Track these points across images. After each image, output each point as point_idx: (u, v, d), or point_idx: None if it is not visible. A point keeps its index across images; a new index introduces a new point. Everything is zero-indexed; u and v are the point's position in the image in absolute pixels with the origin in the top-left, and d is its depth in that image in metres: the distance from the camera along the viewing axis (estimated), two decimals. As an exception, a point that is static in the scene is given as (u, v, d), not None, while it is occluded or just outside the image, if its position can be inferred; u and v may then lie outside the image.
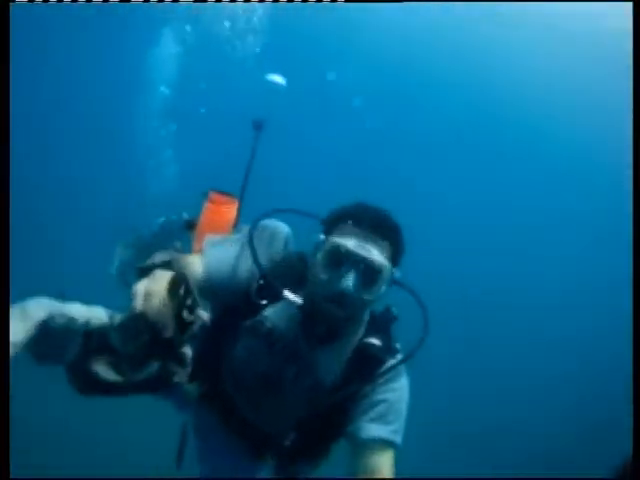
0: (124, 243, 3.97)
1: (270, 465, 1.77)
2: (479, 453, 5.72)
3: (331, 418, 1.62)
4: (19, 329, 1.12)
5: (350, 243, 1.46)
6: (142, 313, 1.21)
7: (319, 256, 1.49)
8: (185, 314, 1.25)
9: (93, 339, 1.23)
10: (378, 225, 1.51)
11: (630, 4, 2.45)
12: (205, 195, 2.01)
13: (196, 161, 6.78)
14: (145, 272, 1.36)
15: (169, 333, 1.23)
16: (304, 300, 1.51)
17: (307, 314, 1.52)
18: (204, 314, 1.35)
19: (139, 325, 1.21)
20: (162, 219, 3.82)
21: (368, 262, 1.46)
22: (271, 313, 1.58)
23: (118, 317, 1.25)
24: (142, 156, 7.14)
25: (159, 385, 1.27)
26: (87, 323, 1.22)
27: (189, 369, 1.30)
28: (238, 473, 1.94)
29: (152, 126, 7.25)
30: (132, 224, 4.23)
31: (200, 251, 1.65)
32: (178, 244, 2.02)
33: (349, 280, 1.44)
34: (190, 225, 2.10)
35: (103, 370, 1.22)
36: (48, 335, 1.18)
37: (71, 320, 1.20)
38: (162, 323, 1.22)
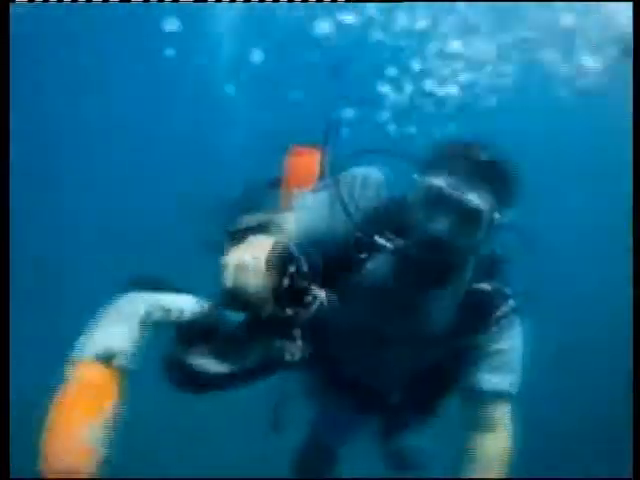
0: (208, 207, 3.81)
1: (378, 422, 1.74)
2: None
3: (442, 371, 1.57)
4: (124, 335, 1.03)
5: (444, 184, 1.36)
6: (234, 289, 1.10)
7: (413, 198, 1.41)
8: (288, 287, 1.12)
9: (186, 329, 1.14)
10: (478, 164, 1.39)
11: (630, 4, 2.45)
12: (285, 150, 1.92)
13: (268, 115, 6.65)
14: (236, 236, 1.27)
15: (267, 311, 1.13)
16: (403, 247, 1.41)
17: (407, 262, 1.42)
18: (320, 292, 1.23)
19: (233, 304, 1.12)
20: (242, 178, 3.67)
21: (463, 205, 1.35)
22: (372, 265, 1.49)
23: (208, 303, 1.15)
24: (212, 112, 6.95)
25: (269, 369, 1.17)
26: (181, 313, 1.14)
27: (300, 343, 1.19)
28: (346, 430, 1.95)
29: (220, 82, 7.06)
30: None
31: (289, 209, 1.55)
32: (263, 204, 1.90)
33: (442, 224, 1.35)
34: (274, 182, 2.00)
35: (202, 361, 1.12)
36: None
37: (167, 312, 1.13)
38: (259, 300, 1.11)
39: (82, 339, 1.03)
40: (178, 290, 1.19)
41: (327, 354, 1.56)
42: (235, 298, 1.11)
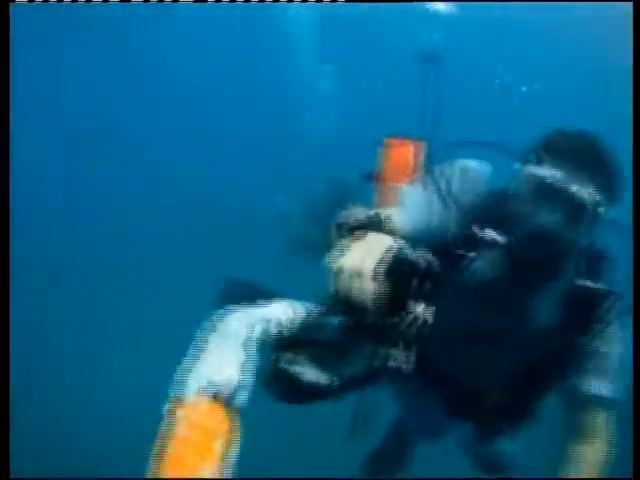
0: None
1: (469, 426, 1.66)
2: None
3: (541, 372, 1.49)
4: (229, 361, 0.94)
5: (552, 175, 1.31)
6: (347, 295, 1.04)
7: (517, 191, 1.36)
8: (399, 295, 1.05)
9: (287, 338, 1.09)
10: (584, 156, 1.33)
11: (630, 4, 2.45)
12: (380, 143, 1.86)
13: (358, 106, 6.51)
14: (345, 231, 1.19)
15: (375, 317, 1.07)
16: (507, 241, 1.35)
17: (513, 257, 1.36)
18: (425, 309, 1.16)
19: (343, 310, 1.07)
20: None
21: (570, 198, 1.29)
22: (475, 262, 1.43)
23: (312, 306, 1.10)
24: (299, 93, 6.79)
25: (372, 377, 1.12)
26: (281, 323, 1.09)
27: (404, 350, 1.13)
28: (436, 433, 1.87)
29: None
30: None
31: (388, 204, 1.49)
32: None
33: (550, 217, 1.30)
34: (370, 176, 1.91)
35: (307, 371, 1.07)
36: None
37: (267, 324, 1.06)
38: (370, 307, 1.05)
39: (183, 372, 0.94)
40: (273, 294, 1.14)
41: (425, 355, 1.50)
42: (347, 304, 1.06)
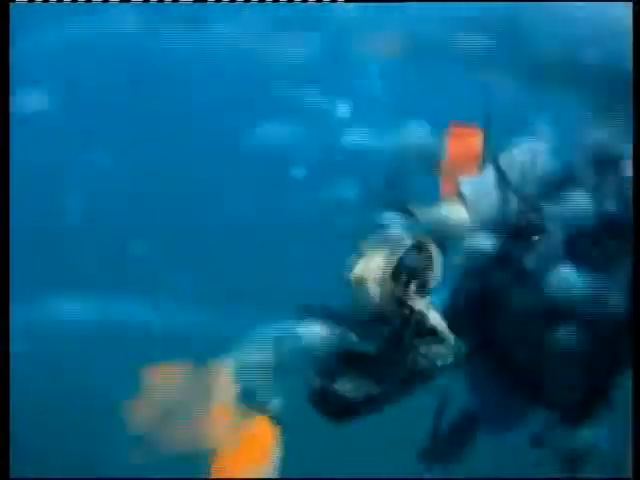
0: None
1: (548, 420, 1.62)
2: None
3: (621, 358, 1.44)
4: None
5: (608, 138, 1.30)
6: (357, 304, 1.07)
7: (580, 163, 1.34)
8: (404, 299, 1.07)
9: (327, 356, 1.09)
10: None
11: (630, 4, 2.45)
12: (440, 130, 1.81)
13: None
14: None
15: (390, 322, 1.08)
16: (576, 222, 1.34)
17: (584, 237, 1.33)
18: (420, 303, 1.16)
19: (359, 316, 1.08)
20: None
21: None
22: (544, 245, 1.40)
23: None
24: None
25: (419, 378, 1.13)
26: (311, 340, 1.09)
27: (451, 343, 1.14)
28: (515, 427, 1.83)
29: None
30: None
31: (451, 194, 1.48)
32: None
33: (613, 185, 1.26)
34: (434, 167, 1.81)
35: (349, 387, 1.08)
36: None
37: (298, 339, 1.08)
38: (376, 311, 1.08)
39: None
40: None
41: (496, 343, 1.52)
42: (359, 313, 1.09)
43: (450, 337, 1.13)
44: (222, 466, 0.93)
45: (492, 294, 1.49)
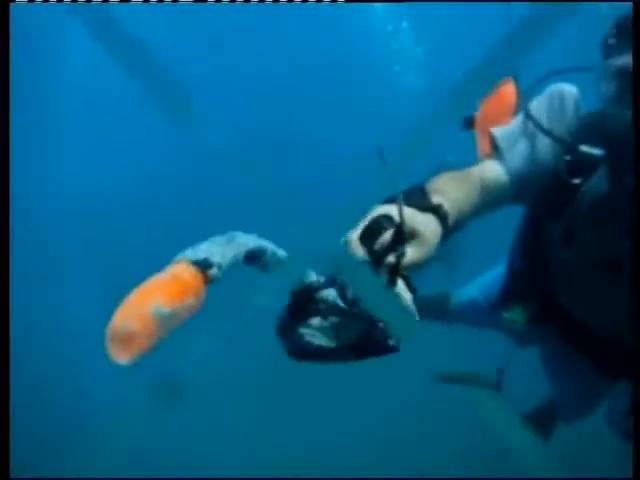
0: None
1: (625, 386, 1.49)
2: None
3: None
4: (227, 255, 1.05)
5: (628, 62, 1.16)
6: (341, 261, 1.04)
7: (603, 90, 1.24)
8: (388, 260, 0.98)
9: (298, 297, 1.11)
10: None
11: (630, 4, 2.44)
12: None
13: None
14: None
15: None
16: (613, 154, 1.22)
17: (624, 175, 1.19)
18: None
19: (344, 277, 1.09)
20: None
21: None
22: (592, 187, 1.29)
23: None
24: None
25: (371, 350, 1.10)
26: (280, 259, 1.13)
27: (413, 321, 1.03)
28: (589, 396, 1.76)
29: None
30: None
31: (489, 150, 1.39)
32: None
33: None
34: (469, 121, 1.76)
35: (309, 332, 1.09)
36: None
37: (280, 264, 1.13)
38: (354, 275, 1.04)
39: (187, 250, 1.05)
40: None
41: (556, 306, 1.44)
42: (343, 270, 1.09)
43: (413, 313, 1.00)
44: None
45: (539, 256, 1.44)
